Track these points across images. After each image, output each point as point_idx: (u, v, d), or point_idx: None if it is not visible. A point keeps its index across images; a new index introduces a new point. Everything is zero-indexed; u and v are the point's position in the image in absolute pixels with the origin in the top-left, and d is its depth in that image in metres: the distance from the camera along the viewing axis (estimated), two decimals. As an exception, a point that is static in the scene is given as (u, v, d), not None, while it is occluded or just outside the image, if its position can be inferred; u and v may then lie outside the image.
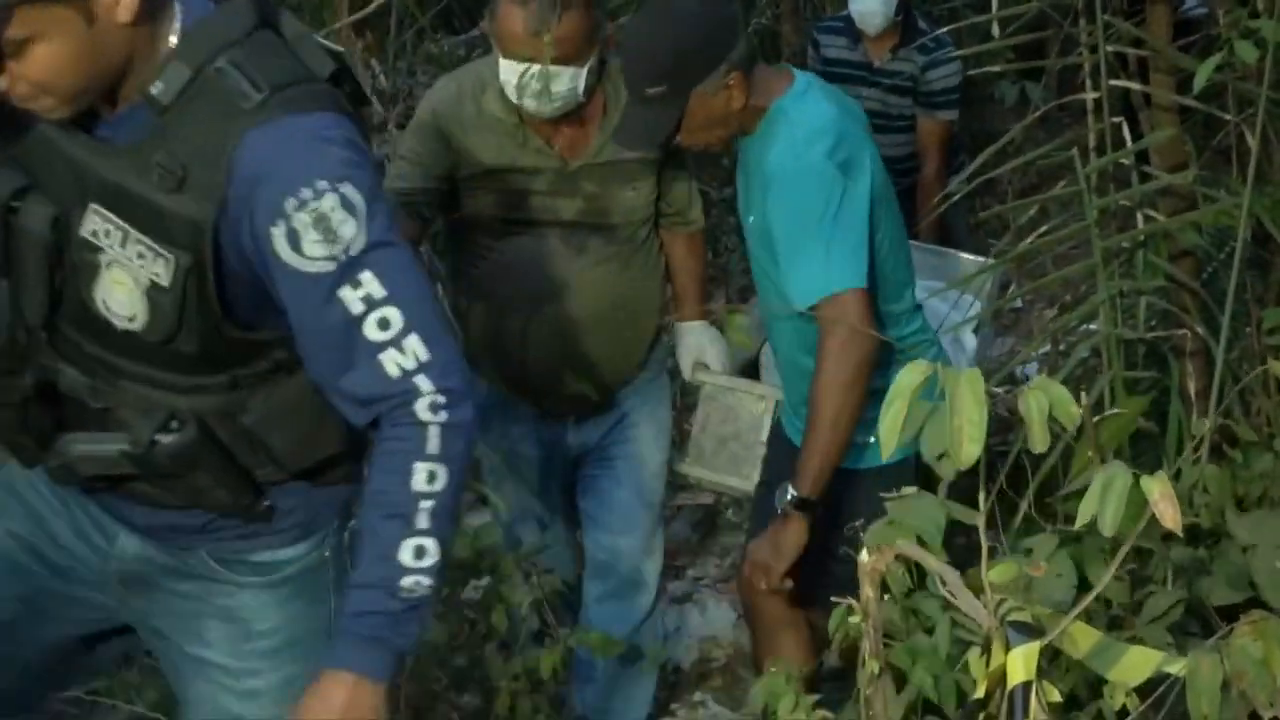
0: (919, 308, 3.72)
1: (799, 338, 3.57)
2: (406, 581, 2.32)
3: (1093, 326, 4.62)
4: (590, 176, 3.74)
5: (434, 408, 2.32)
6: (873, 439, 3.47)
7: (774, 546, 3.46)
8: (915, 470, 3.44)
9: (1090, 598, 1.99)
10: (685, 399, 4.88)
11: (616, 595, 4.11)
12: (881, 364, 3.43)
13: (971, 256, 4.92)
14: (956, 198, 4.36)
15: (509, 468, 4.03)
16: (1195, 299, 3.78)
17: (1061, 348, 4.31)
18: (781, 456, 3.76)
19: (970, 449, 1.88)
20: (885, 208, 3.54)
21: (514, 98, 3.61)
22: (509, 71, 3.58)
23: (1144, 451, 3.68)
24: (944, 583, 2.09)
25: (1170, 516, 1.79)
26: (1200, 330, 3.68)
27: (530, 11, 3.51)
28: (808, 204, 3.37)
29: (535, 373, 3.86)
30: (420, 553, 2.32)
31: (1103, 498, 1.84)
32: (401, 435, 2.33)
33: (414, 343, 2.30)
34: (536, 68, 3.53)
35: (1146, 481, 1.83)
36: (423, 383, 2.31)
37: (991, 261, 4.07)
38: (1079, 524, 1.89)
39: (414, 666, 3.21)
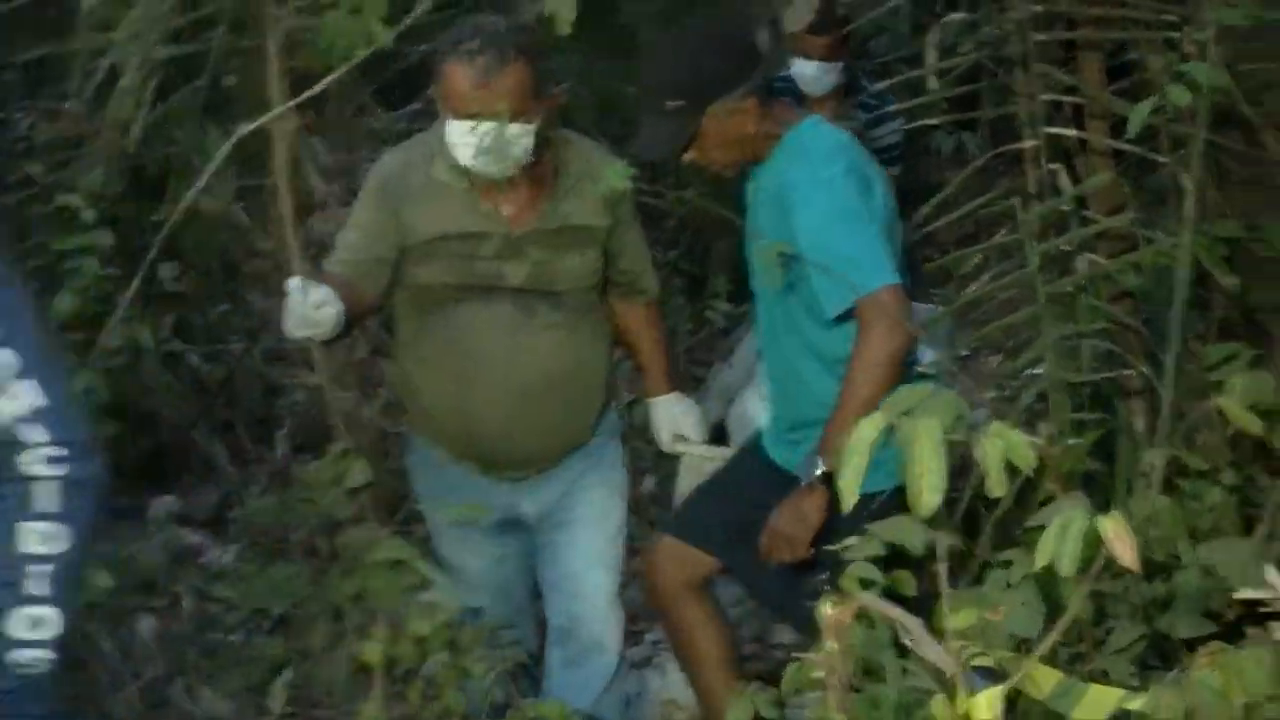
0: None
1: (806, 348, 3.68)
2: (21, 657, 2.12)
3: (1037, 371, 4.67)
4: (537, 242, 3.76)
5: (50, 460, 2.11)
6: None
7: (799, 516, 3.55)
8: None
9: (1051, 639, 2.00)
10: (638, 463, 4.89)
11: (577, 662, 4.10)
12: None
13: (921, 305, 4.95)
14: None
15: (466, 538, 4.02)
16: (1137, 339, 3.82)
17: (1007, 393, 4.34)
18: (759, 481, 3.83)
19: (930, 498, 1.90)
20: (895, 231, 3.70)
21: (463, 160, 3.63)
22: (458, 133, 3.60)
23: (1093, 493, 3.71)
24: (907, 631, 2.09)
25: (1127, 555, 1.81)
26: (1144, 369, 3.72)
27: (476, 66, 3.55)
28: (834, 213, 3.53)
29: (487, 437, 3.86)
30: (36, 624, 2.11)
31: (1060, 538, 1.86)
32: (2, 493, 2.11)
33: (27, 388, 2.11)
34: (487, 125, 3.56)
35: (1102, 521, 1.85)
36: (34, 433, 2.11)
37: (942, 309, 4.10)
38: (1038, 564, 1.90)
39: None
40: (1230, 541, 2.76)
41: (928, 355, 4.37)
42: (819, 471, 3.52)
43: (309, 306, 3.45)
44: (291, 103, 3.71)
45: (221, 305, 5.69)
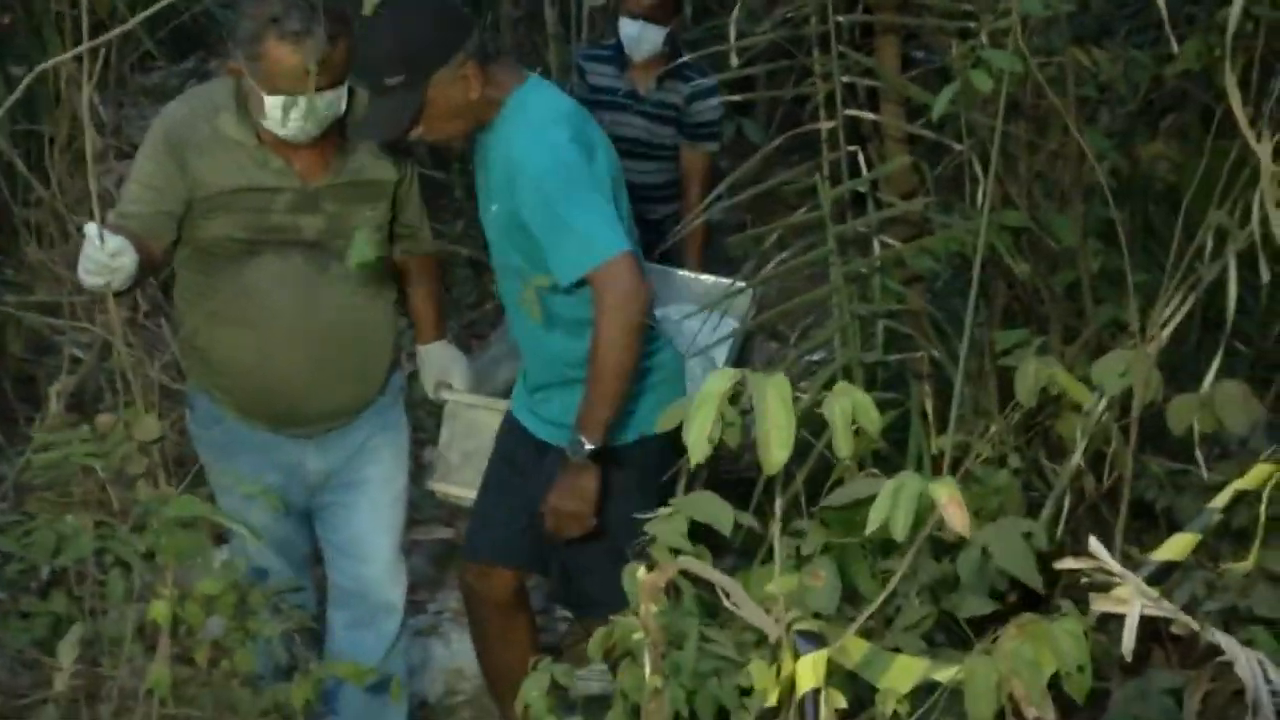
0: None
1: (546, 316, 3.69)
2: None
3: (818, 356, 4.75)
4: (331, 196, 3.76)
5: None
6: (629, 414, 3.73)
7: (577, 494, 3.66)
8: (642, 462, 3.81)
9: (874, 606, 2.02)
10: (419, 433, 4.87)
11: (365, 623, 4.10)
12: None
13: (714, 279, 5.01)
14: (699, 223, 4.41)
15: (248, 498, 3.95)
16: (928, 322, 3.90)
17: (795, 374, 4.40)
18: (518, 447, 3.95)
19: (778, 454, 1.91)
20: (621, 193, 3.73)
21: (278, 129, 3.61)
22: (276, 106, 3.57)
23: (885, 475, 3.77)
24: (727, 594, 2.10)
25: (959, 520, 1.84)
26: (935, 352, 3.79)
27: (306, 49, 3.52)
28: (559, 184, 3.54)
29: (277, 392, 3.85)
30: None
31: (893, 503, 1.88)
32: None
33: None
34: (311, 98, 3.55)
35: (935, 487, 1.88)
36: None
37: (738, 284, 4.13)
38: (869, 530, 1.92)
39: (160, 707, 3.09)
40: (1007, 523, 2.81)
41: (728, 325, 4.43)
42: (585, 449, 3.61)
43: (105, 253, 3.37)
44: (78, 49, 3.59)
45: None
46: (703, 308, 4.11)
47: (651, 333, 3.79)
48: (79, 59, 4.69)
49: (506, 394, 4.21)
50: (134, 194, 3.72)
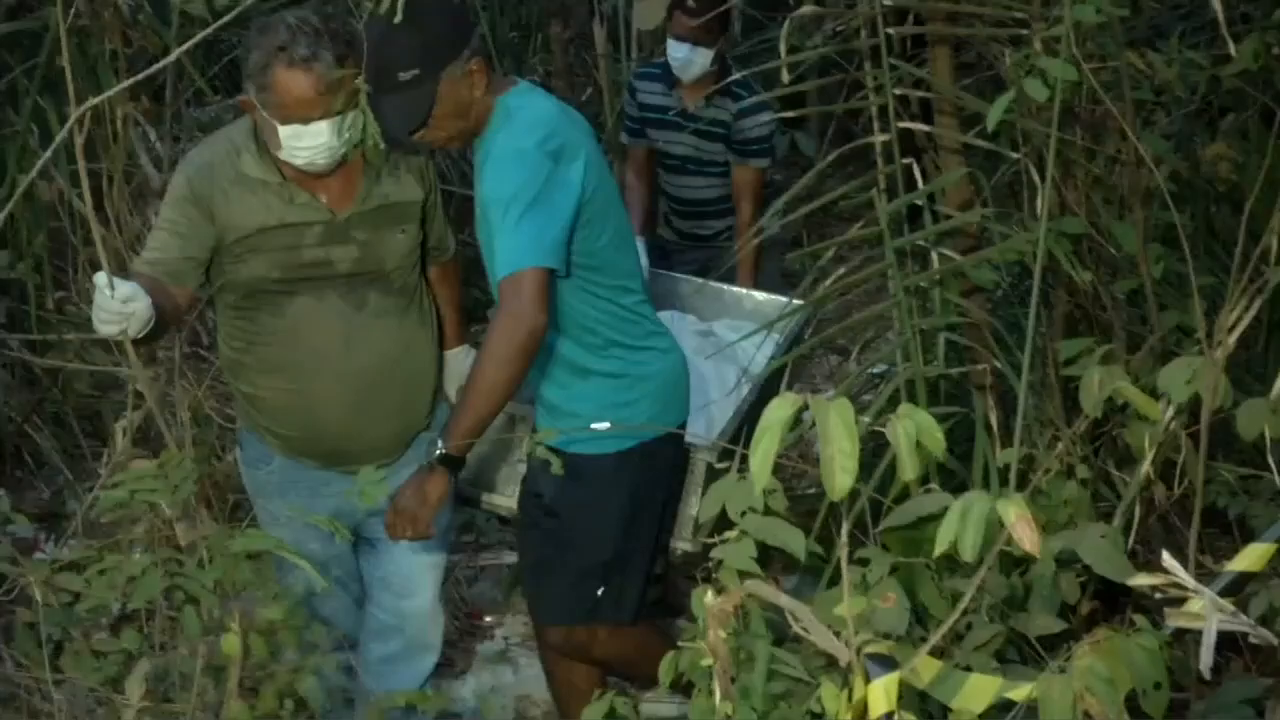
0: (647, 303, 3.92)
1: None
2: None
3: (882, 368, 4.72)
4: (361, 224, 3.75)
5: None
6: (601, 425, 3.76)
7: (421, 496, 3.63)
8: (640, 467, 3.82)
9: (946, 626, 2.00)
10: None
11: (400, 659, 4.12)
12: (615, 352, 3.75)
13: (765, 295, 4.99)
14: (760, 240, 4.40)
15: (299, 534, 3.95)
16: (990, 333, 3.87)
17: (856, 389, 4.38)
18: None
19: (843, 479, 1.89)
20: (607, 205, 3.71)
21: (295, 159, 3.60)
22: (292, 135, 3.56)
23: (948, 489, 3.75)
24: (796, 619, 2.08)
25: (1029, 539, 1.82)
26: (999, 364, 3.76)
27: (314, 73, 3.51)
28: (511, 183, 3.53)
29: (321, 432, 3.84)
30: None
31: (962, 523, 1.86)
32: None
33: None
34: (321, 124, 3.54)
35: (1003, 505, 1.85)
36: None
37: (797, 303, 4.12)
38: (937, 551, 1.90)
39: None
40: (1088, 529, 2.77)
41: (767, 348, 4.42)
42: (439, 452, 3.59)
43: (117, 301, 3.36)
44: (127, 83, 3.63)
45: (55, 294, 5.53)
46: (761, 326, 4.10)
47: (640, 345, 3.82)
48: (134, 97, 4.74)
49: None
50: (158, 241, 3.72)
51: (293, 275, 3.73)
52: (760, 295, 5.08)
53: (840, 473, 1.89)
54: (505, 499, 4.17)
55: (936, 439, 1.94)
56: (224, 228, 3.68)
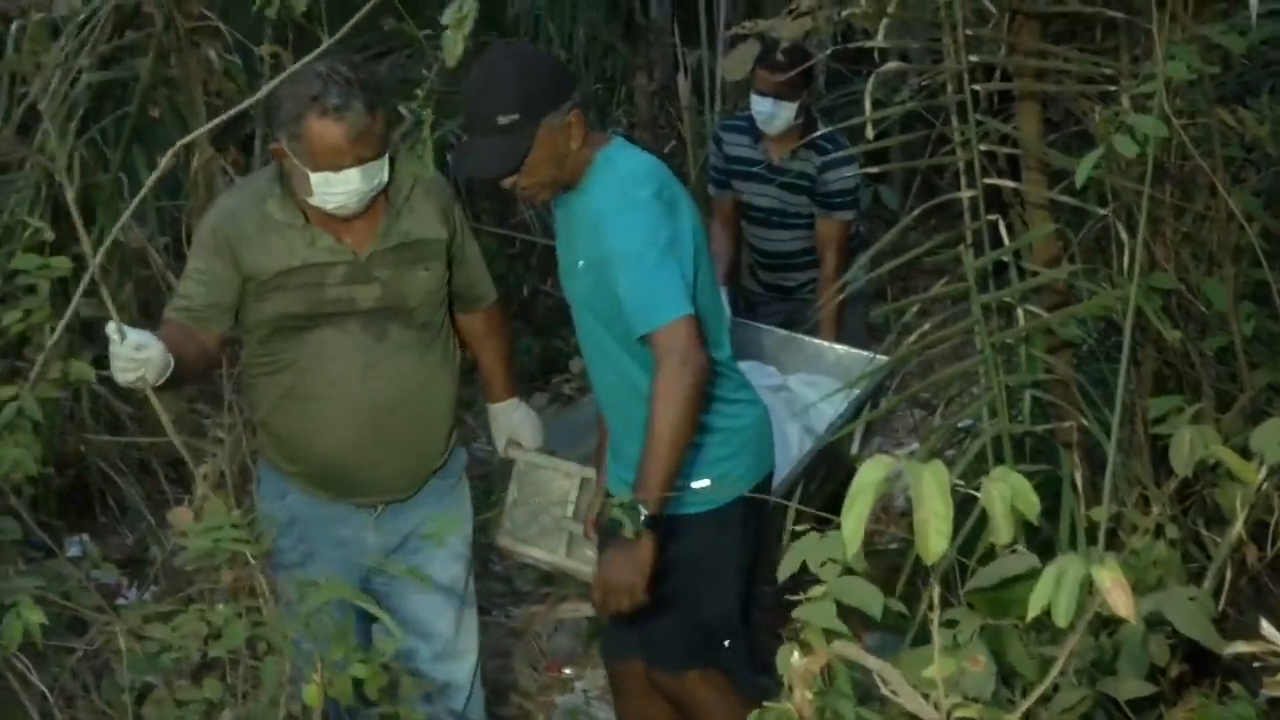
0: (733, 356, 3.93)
1: (626, 380, 3.74)
2: None
3: (965, 423, 4.68)
4: (383, 262, 3.82)
5: None
6: (702, 483, 3.76)
7: (634, 565, 3.57)
8: (743, 521, 3.82)
9: (1041, 688, 1.97)
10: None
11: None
12: (713, 407, 3.72)
13: (846, 349, 4.98)
14: (845, 295, 4.39)
15: (308, 571, 3.94)
16: (1078, 390, 3.83)
17: (939, 445, 4.34)
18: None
19: (938, 542, 1.87)
20: (703, 257, 3.74)
21: (326, 204, 3.69)
22: (323, 183, 3.64)
23: (1033, 544, 3.71)
24: (884, 682, 2.06)
25: (1124, 605, 1.79)
26: (1086, 421, 3.72)
27: (346, 122, 3.59)
28: (639, 235, 3.58)
29: (336, 463, 3.89)
30: None
31: (1056, 588, 1.83)
32: None
33: None
34: (355, 170, 3.63)
35: (1098, 571, 1.83)
36: None
37: (880, 358, 4.10)
38: (1030, 615, 1.87)
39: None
40: (1177, 592, 2.73)
41: (838, 404, 4.40)
42: (644, 516, 3.54)
43: (129, 349, 3.43)
44: (209, 125, 3.68)
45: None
46: (841, 386, 4.08)
47: (733, 399, 3.83)
48: (222, 148, 4.80)
49: (588, 459, 4.21)
50: (186, 288, 3.83)
51: (315, 310, 3.81)
52: (841, 349, 5.07)
53: (935, 536, 1.87)
54: (546, 554, 4.20)
55: (1031, 503, 1.92)
56: (248, 271, 3.77)
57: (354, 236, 3.79)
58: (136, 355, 3.43)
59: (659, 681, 4.01)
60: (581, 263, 3.72)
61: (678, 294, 3.56)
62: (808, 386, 4.87)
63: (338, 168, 3.62)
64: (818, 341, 5.09)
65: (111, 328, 3.42)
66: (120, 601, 4.79)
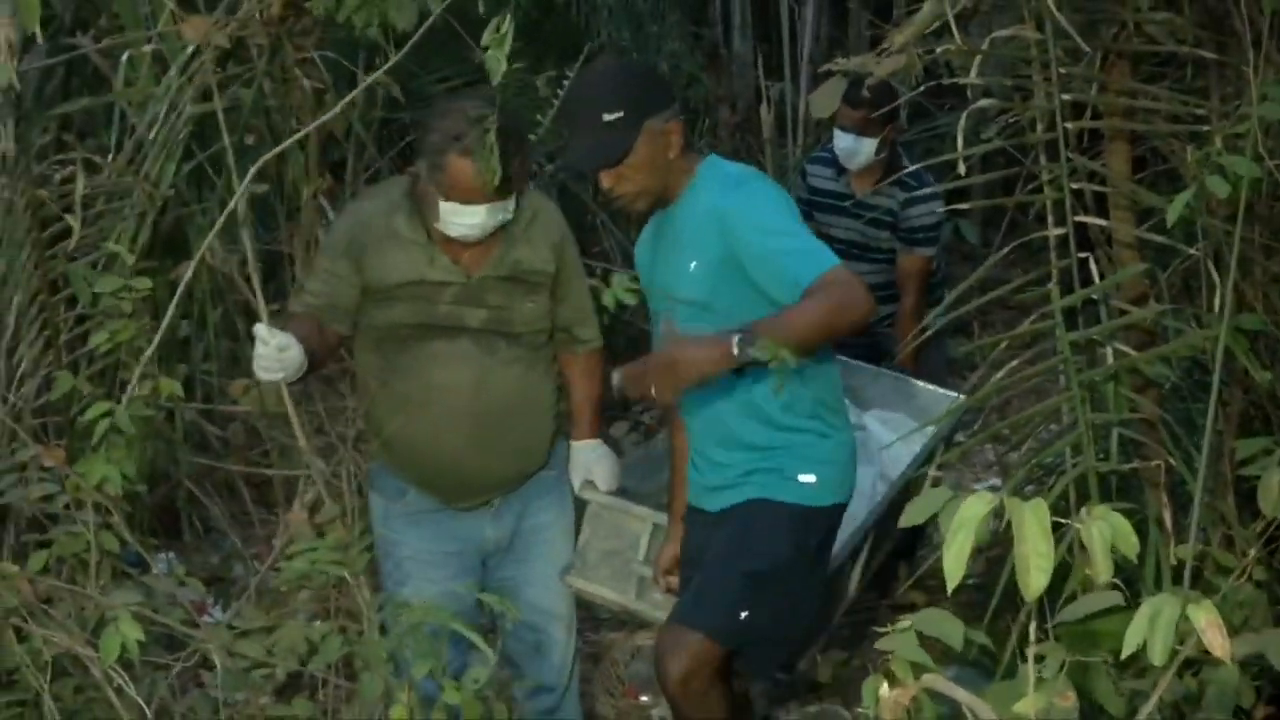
0: None
1: (728, 395, 3.78)
2: None
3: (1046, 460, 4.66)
4: (493, 288, 3.97)
5: None
6: (810, 478, 3.81)
7: (701, 353, 3.49)
8: (825, 532, 3.90)
9: (1131, 727, 1.98)
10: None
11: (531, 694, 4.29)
12: (819, 411, 3.82)
13: (928, 387, 4.98)
14: (929, 333, 4.39)
15: (424, 570, 4.13)
16: (1164, 429, 3.83)
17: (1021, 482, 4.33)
18: (696, 530, 3.98)
19: (1038, 579, 1.89)
20: None
21: (449, 231, 3.85)
22: (454, 213, 3.81)
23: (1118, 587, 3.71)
24: (974, 715, 2.08)
25: (1219, 645, 1.80)
26: (1174, 461, 3.72)
27: (485, 164, 3.69)
28: (776, 208, 3.71)
29: (445, 468, 4.03)
30: None
31: (1151, 627, 1.85)
32: None
33: None
34: (482, 206, 3.80)
35: (1194, 610, 1.84)
36: None
37: (960, 397, 4.10)
38: (1125, 652, 1.89)
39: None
40: (1273, 634, 2.73)
41: (913, 444, 4.41)
42: (737, 348, 3.44)
43: (274, 349, 3.66)
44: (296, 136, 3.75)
45: (222, 362, 5.66)
46: (921, 425, 4.10)
47: (843, 413, 3.93)
48: (317, 175, 4.87)
49: (661, 497, 4.23)
50: (314, 285, 4.03)
51: (428, 322, 3.97)
52: (919, 384, 5.07)
53: (1035, 572, 1.89)
54: (617, 595, 4.23)
55: (1131, 542, 1.94)
56: (369, 278, 3.94)
57: (470, 259, 3.94)
58: (281, 356, 3.67)
59: (667, 642, 3.85)
60: (694, 264, 3.75)
61: (826, 250, 3.65)
62: (884, 425, 4.86)
63: (469, 203, 3.80)
64: (897, 376, 5.09)
65: (261, 329, 3.66)
66: (205, 619, 4.85)
